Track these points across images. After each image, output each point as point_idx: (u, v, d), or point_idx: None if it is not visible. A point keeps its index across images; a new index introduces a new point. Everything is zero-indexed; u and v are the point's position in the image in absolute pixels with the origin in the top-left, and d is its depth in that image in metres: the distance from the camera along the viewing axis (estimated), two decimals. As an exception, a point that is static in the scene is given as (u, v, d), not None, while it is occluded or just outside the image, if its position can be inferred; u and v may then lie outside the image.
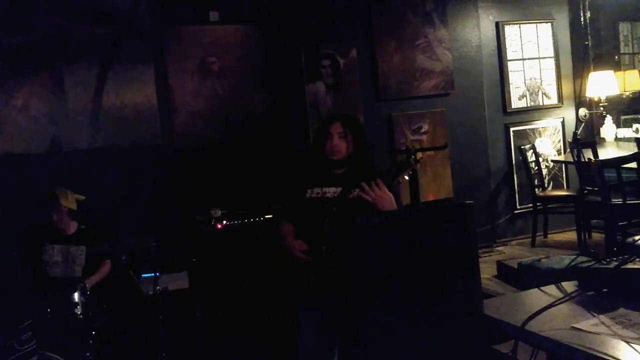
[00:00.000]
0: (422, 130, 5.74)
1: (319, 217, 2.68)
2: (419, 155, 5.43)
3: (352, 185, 2.72)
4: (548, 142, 6.33)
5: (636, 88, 6.48)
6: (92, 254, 4.01)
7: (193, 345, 4.04)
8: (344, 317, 2.40)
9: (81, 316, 3.57)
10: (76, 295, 3.61)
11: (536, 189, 5.95)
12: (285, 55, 5.24)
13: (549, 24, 6.33)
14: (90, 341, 3.56)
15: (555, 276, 2.21)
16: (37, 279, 3.94)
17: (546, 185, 6.19)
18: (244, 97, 5.11)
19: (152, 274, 3.89)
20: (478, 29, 6.01)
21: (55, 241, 3.97)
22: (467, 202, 2.05)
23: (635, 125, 6.21)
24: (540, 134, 6.30)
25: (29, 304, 3.47)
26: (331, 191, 2.77)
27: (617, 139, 6.25)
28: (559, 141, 6.37)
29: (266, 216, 4.38)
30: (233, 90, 5.07)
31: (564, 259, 3.98)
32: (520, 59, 6.23)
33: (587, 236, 5.62)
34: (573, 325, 1.69)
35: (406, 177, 2.97)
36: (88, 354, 3.50)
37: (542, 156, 6.25)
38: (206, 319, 4.09)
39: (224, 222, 4.37)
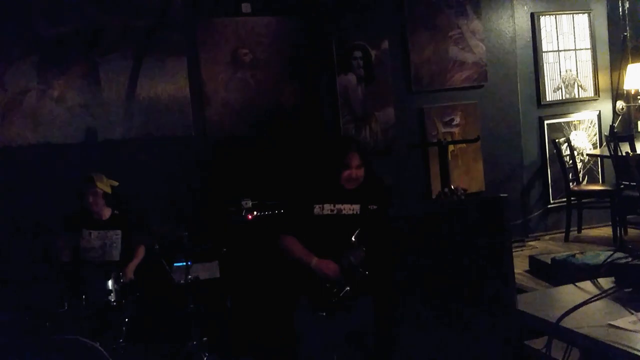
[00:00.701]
0: (454, 122, 5.67)
1: (339, 233, 2.76)
2: (451, 147, 5.44)
3: (369, 202, 2.84)
4: (583, 136, 6.20)
5: (676, 80, 6.29)
6: (128, 239, 4.09)
7: (224, 334, 4.09)
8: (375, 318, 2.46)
9: (114, 303, 3.65)
10: (110, 283, 3.68)
11: (570, 183, 5.84)
12: (316, 46, 5.24)
13: (586, 15, 6.18)
14: (123, 328, 3.63)
15: (590, 272, 2.16)
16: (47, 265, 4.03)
17: (581, 179, 6.07)
18: (275, 89, 5.12)
19: (184, 263, 3.94)
20: (512, 20, 5.91)
21: (92, 227, 4.05)
22: (501, 195, 2.02)
23: (674, 119, 6.05)
24: (575, 127, 6.17)
25: (65, 290, 3.55)
26: (347, 208, 2.86)
27: (655, 133, 6.10)
28: (595, 135, 6.23)
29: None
30: (264, 81, 5.09)
31: (599, 255, 3.90)
32: (555, 51, 6.11)
33: (623, 232, 5.49)
34: (610, 322, 1.66)
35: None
36: (121, 340, 3.57)
37: (577, 150, 6.12)
38: (236, 308, 4.13)
39: (255, 212, 4.41)
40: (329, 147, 3.21)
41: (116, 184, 4.16)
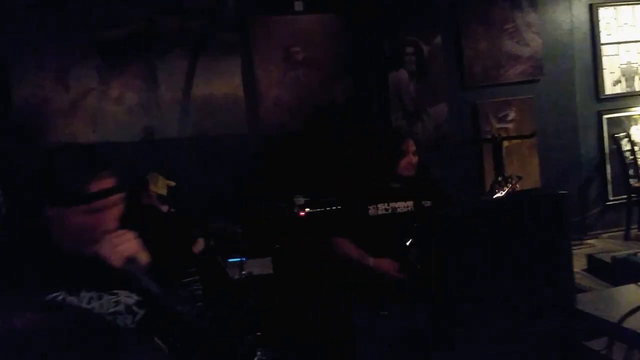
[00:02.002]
0: (509, 118, 5.57)
1: (395, 232, 2.76)
2: (505, 143, 5.34)
3: (422, 198, 2.82)
4: (645, 130, 5.99)
5: None
6: (183, 236, 4.19)
7: (277, 329, 4.14)
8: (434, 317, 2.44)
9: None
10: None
11: (631, 180, 5.64)
12: (368, 43, 5.23)
13: (648, 5, 5.96)
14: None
15: (653, 272, 2.10)
16: None
17: (642, 175, 5.86)
18: (327, 86, 5.15)
19: (238, 259, 4.02)
20: (570, 11, 5.75)
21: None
22: (561, 192, 1.98)
23: None
24: (636, 121, 5.95)
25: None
26: (402, 206, 2.85)
27: None
28: (657, 129, 6.00)
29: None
30: (316, 79, 5.12)
31: (662, 254, 3.76)
32: (615, 43, 5.90)
33: (687, 231, 5.28)
34: (675, 324, 1.61)
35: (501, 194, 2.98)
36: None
37: (638, 145, 5.91)
38: (289, 305, 4.18)
39: (307, 209, 4.45)
40: (384, 137, 3.20)
41: (173, 184, 4.25)
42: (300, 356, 4.07)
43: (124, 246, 1.62)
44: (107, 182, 1.67)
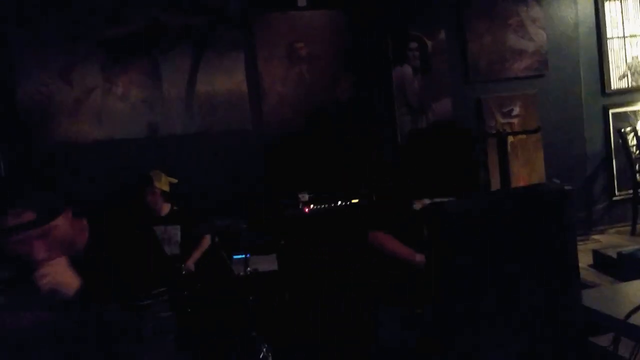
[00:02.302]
0: (513, 113, 5.55)
1: None
2: (510, 138, 5.31)
3: (464, 193, 2.75)
4: (651, 125, 5.95)
5: None
6: (188, 233, 4.20)
7: (282, 325, 4.14)
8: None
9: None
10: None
11: (637, 175, 5.61)
12: (371, 39, 5.21)
13: (655, -2, 5.92)
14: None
15: (660, 268, 2.09)
16: None
17: (648, 170, 5.83)
18: (330, 82, 5.14)
19: (243, 256, 4.02)
20: (575, 5, 5.71)
21: (151, 223, 4.18)
22: (566, 186, 1.97)
23: None
24: (642, 116, 5.93)
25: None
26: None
27: None
28: (664, 124, 5.97)
29: (352, 201, 4.41)
30: (320, 75, 5.11)
31: (669, 250, 3.75)
32: (621, 37, 5.87)
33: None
34: (682, 320, 1.60)
35: None
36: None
37: (644, 140, 5.88)
38: (294, 300, 4.18)
39: (311, 205, 4.44)
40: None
41: (175, 181, 4.27)
42: (305, 352, 4.07)
43: (50, 277, 1.66)
44: (26, 216, 1.71)
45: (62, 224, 1.83)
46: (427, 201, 2.79)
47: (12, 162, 4.50)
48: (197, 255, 4.16)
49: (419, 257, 2.74)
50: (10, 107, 4.58)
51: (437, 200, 2.76)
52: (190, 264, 4.05)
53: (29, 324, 1.65)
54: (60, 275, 1.69)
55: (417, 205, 2.79)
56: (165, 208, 4.28)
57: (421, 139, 3.03)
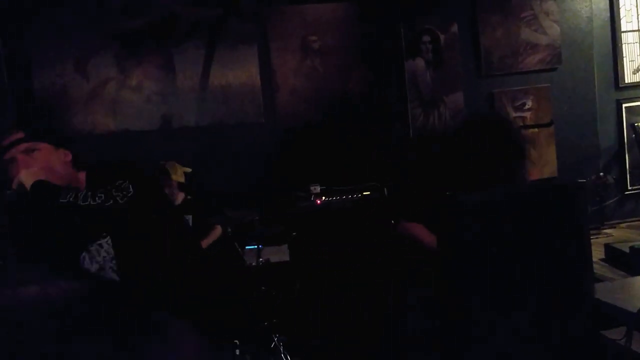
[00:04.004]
0: (526, 107, 5.53)
1: None
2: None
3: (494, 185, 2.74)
4: (665, 119, 5.91)
5: None
6: (201, 222, 4.24)
7: (293, 316, 4.18)
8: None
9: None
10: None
11: (650, 169, 5.60)
12: (384, 32, 5.21)
13: (670, -9, 5.86)
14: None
15: (673, 262, 2.09)
16: None
17: (662, 165, 5.80)
18: (343, 75, 5.14)
19: (255, 246, 4.06)
20: (589, -1, 5.68)
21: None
22: (579, 180, 1.97)
23: None
24: (656, 110, 5.89)
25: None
26: None
27: None
28: (678, 118, 5.93)
29: (364, 193, 4.43)
30: (332, 68, 5.12)
31: (681, 244, 3.73)
32: (636, 30, 5.82)
33: None
34: (695, 313, 1.61)
35: None
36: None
37: (658, 134, 5.84)
38: (306, 291, 4.21)
39: (323, 197, 4.47)
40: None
41: (189, 170, 4.31)
42: (316, 342, 4.11)
43: (23, 175, 2.09)
44: (16, 135, 2.20)
45: (45, 148, 2.23)
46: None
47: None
48: (206, 242, 4.20)
49: None
50: (27, 98, 4.63)
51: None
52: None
53: (57, 294, 1.77)
54: (29, 175, 2.09)
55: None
56: (179, 197, 4.33)
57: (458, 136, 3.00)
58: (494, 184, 2.71)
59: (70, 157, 2.33)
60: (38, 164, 2.15)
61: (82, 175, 2.33)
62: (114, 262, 2.17)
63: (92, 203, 2.02)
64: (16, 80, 4.61)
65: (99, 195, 2.04)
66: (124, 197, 2.06)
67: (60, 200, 2.02)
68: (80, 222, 2.13)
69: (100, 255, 2.19)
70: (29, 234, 2.15)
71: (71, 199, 2.02)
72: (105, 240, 2.20)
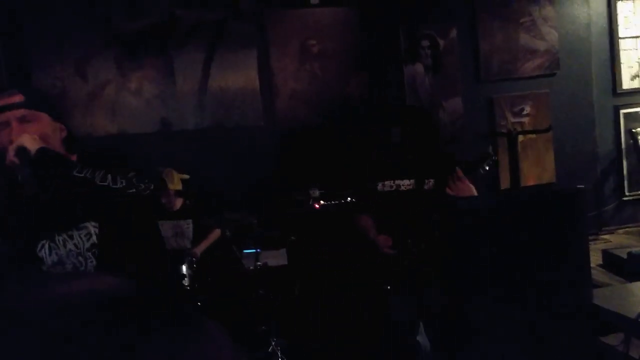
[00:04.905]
0: (524, 112, 5.55)
1: (396, 210, 2.82)
2: (520, 137, 5.32)
3: (425, 177, 2.85)
4: (662, 126, 5.93)
5: None
6: (200, 226, 4.24)
7: (291, 320, 4.18)
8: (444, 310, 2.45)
9: (188, 287, 3.80)
10: (184, 268, 3.84)
11: (648, 175, 5.61)
12: (383, 37, 5.23)
13: (668, -1, 5.89)
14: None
15: (670, 268, 2.10)
16: None
17: (659, 171, 5.82)
18: (342, 79, 5.16)
19: (254, 250, 4.06)
20: (587, 5, 5.70)
21: (164, 218, 4.22)
22: (578, 186, 1.98)
23: None
24: (653, 116, 5.91)
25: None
26: (405, 184, 2.89)
27: None
28: (675, 124, 5.95)
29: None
30: (331, 72, 5.13)
31: (678, 250, 3.75)
32: (634, 37, 5.85)
33: None
34: (693, 320, 1.62)
35: (486, 168, 3.04)
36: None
37: (656, 140, 5.86)
38: (304, 295, 4.21)
39: (322, 201, 4.47)
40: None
41: (187, 177, 4.30)
42: (314, 346, 4.11)
43: (21, 139, 1.93)
44: (16, 97, 2.00)
45: (44, 119, 2.09)
46: (388, 183, 2.91)
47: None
48: (204, 244, 4.21)
49: (373, 235, 2.87)
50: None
51: (398, 181, 2.89)
52: (196, 250, 4.10)
53: (80, 289, 1.73)
54: (32, 140, 1.95)
55: (380, 188, 2.93)
56: (178, 203, 4.32)
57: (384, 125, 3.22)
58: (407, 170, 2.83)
59: (65, 133, 2.22)
60: (35, 135, 1.99)
61: (73, 158, 2.19)
62: (80, 257, 2.02)
63: (112, 185, 1.94)
64: (16, 82, 4.60)
65: (121, 180, 1.96)
66: (146, 190, 2.01)
67: (75, 174, 1.89)
68: (86, 201, 1.99)
69: (66, 247, 2.02)
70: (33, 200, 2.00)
71: (87, 175, 1.90)
72: (82, 232, 2.03)
